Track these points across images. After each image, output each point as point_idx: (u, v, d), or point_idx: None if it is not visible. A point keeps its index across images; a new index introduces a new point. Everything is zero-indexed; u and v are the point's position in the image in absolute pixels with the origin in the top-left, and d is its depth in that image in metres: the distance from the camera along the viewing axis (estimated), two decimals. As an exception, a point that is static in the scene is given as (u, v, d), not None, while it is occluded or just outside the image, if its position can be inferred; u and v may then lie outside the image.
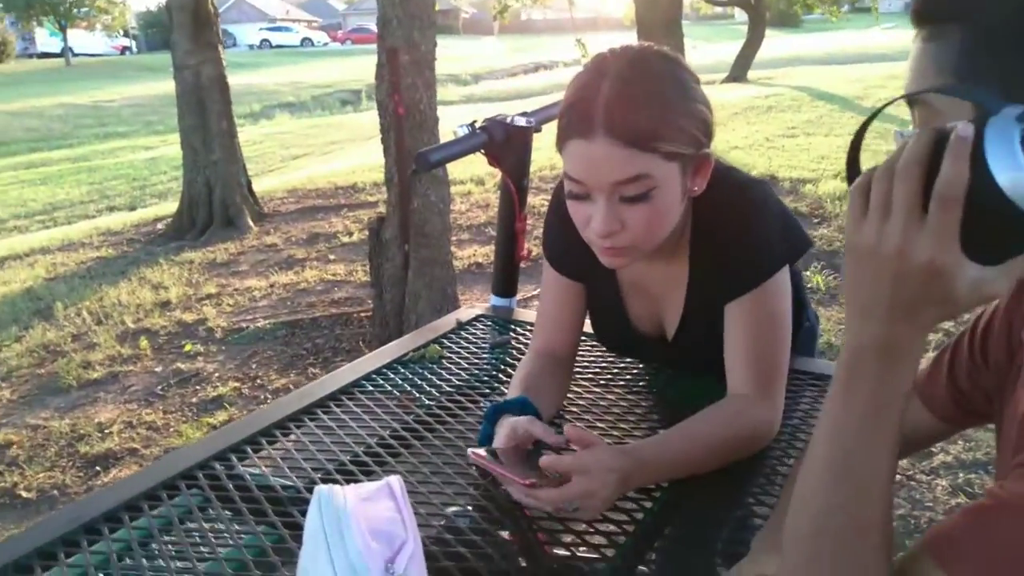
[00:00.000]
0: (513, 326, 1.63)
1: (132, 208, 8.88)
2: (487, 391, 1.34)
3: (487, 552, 0.90)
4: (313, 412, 1.28)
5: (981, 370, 0.84)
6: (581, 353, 1.36)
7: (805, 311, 1.36)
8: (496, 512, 0.99)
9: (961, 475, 2.40)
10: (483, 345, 1.54)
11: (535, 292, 3.95)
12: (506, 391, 1.25)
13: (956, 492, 2.32)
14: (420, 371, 1.42)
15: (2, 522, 2.73)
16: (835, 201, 5.04)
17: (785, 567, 0.64)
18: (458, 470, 1.08)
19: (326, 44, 43.94)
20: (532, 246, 1.77)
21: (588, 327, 1.33)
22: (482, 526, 0.96)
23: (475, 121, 1.63)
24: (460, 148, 1.56)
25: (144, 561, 0.93)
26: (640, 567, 0.91)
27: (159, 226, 6.74)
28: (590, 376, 1.37)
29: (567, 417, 1.23)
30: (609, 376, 1.38)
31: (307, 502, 0.84)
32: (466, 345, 1.54)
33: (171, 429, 3.30)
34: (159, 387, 3.71)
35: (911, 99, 0.63)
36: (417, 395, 1.33)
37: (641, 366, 1.41)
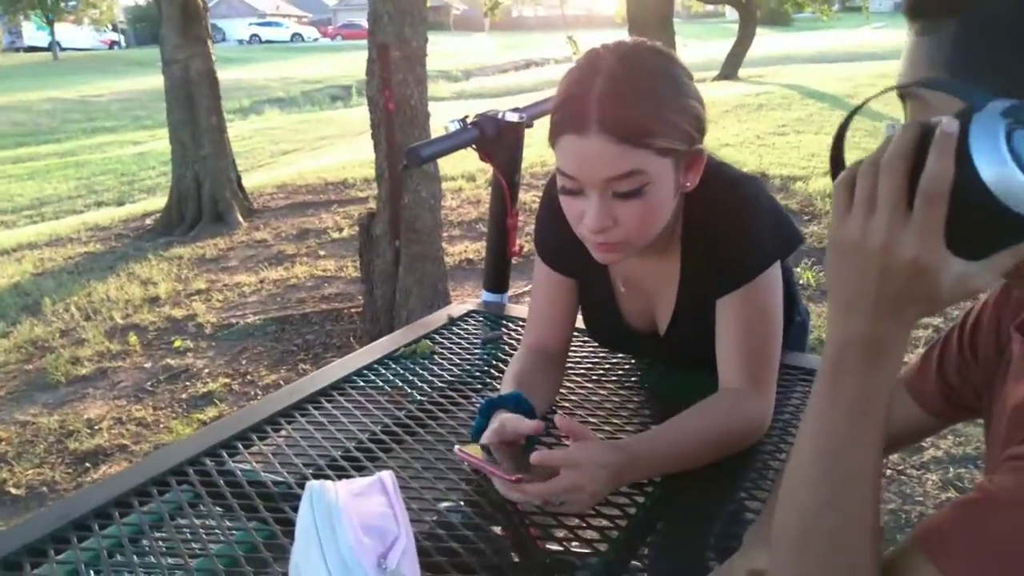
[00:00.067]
0: (505, 322, 1.63)
1: (120, 203, 8.82)
2: (479, 387, 1.34)
3: (480, 547, 0.90)
4: (304, 408, 1.27)
5: (970, 365, 0.85)
6: (573, 349, 1.36)
7: (796, 306, 1.36)
8: (489, 507, 0.99)
9: (951, 470, 2.41)
10: (475, 341, 1.54)
11: (527, 288, 3.95)
12: (498, 387, 1.25)
13: (946, 487, 2.34)
14: (411, 367, 1.42)
15: (-10, 519, 2.72)
16: (825, 198, 5.06)
17: (774, 565, 0.64)
18: (450, 466, 1.08)
19: (316, 40, 43.74)
20: (524, 242, 1.77)
21: (580, 323, 1.33)
22: (475, 521, 0.96)
23: (466, 116, 1.63)
24: (451, 143, 1.56)
25: (135, 558, 0.92)
26: (633, 562, 0.91)
27: (148, 221, 6.70)
28: (582, 372, 1.38)
29: (560, 413, 1.23)
30: (601, 372, 1.38)
31: (298, 498, 0.84)
32: (458, 341, 1.54)
33: (161, 425, 3.29)
34: (148, 383, 3.69)
35: (903, 93, 0.63)
36: (408, 391, 1.33)
37: (633, 362, 1.41)
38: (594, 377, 1.36)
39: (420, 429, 1.20)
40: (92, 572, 0.90)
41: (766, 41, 19.84)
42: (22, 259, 5.97)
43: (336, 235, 5.68)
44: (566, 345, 1.30)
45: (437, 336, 1.56)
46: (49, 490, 2.87)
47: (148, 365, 3.91)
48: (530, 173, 5.73)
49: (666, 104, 0.96)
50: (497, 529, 0.96)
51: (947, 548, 0.55)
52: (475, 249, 4.99)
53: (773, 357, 1.10)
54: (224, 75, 6.72)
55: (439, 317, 1.66)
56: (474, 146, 1.60)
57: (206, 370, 3.78)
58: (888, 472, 2.42)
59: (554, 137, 0.99)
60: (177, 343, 4.11)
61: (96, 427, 3.29)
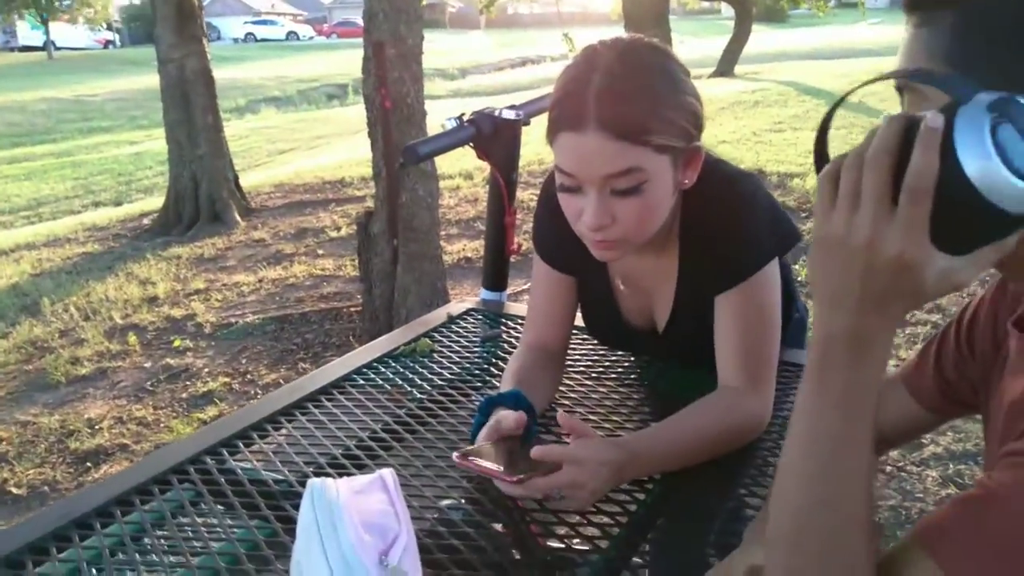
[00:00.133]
0: (504, 320, 1.63)
1: (118, 203, 8.81)
2: (478, 384, 1.34)
3: (480, 544, 0.91)
4: (304, 406, 1.28)
5: (967, 361, 0.85)
6: (572, 346, 1.36)
7: (795, 303, 1.37)
8: (489, 505, 0.99)
9: (951, 466, 2.42)
10: (474, 339, 1.54)
11: (526, 286, 3.95)
12: (497, 384, 1.26)
13: (946, 483, 2.35)
14: (411, 365, 1.42)
15: (-9, 519, 2.72)
16: (822, 195, 5.05)
17: (770, 563, 0.65)
18: (451, 464, 1.08)
19: (312, 38, 43.63)
20: (522, 240, 1.77)
21: (579, 321, 1.33)
22: (475, 519, 0.96)
23: (463, 114, 1.63)
24: (448, 141, 1.56)
25: (137, 556, 0.93)
26: (634, 559, 0.92)
27: (145, 221, 6.69)
28: (581, 369, 1.38)
29: (559, 410, 1.23)
30: (600, 369, 1.39)
31: (299, 496, 0.84)
32: (457, 339, 1.54)
33: (161, 425, 3.29)
34: (148, 383, 3.69)
35: (900, 86, 0.64)
36: (408, 389, 1.33)
37: (632, 359, 1.42)
38: (593, 375, 1.36)
39: (420, 427, 1.20)
40: (94, 570, 0.91)
41: (762, 38, 19.82)
42: (20, 260, 5.96)
43: (334, 234, 5.67)
44: (565, 343, 1.31)
45: (436, 334, 1.56)
46: (50, 489, 2.87)
47: (148, 365, 3.91)
48: (527, 171, 5.73)
49: (664, 101, 0.96)
50: (498, 526, 0.97)
51: (947, 544, 0.55)
52: (473, 247, 4.99)
53: (772, 354, 1.10)
54: (220, 74, 6.71)
55: (438, 315, 1.66)
56: (471, 144, 1.60)
57: (206, 369, 3.78)
58: (888, 469, 2.43)
59: (552, 134, 0.99)
60: (176, 343, 4.11)
61: (97, 427, 3.29)
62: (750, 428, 1.08)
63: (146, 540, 0.96)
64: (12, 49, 38.29)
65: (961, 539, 0.54)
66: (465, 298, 2.77)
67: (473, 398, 1.28)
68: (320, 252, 5.37)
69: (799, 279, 3.95)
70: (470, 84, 19.57)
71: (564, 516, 0.96)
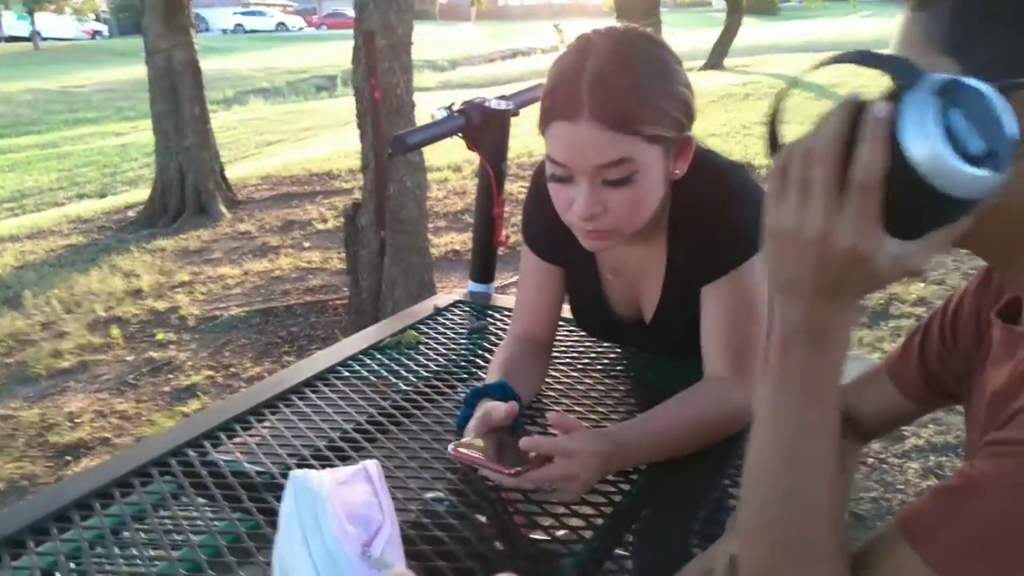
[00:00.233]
0: (491, 312, 1.62)
1: (102, 195, 8.73)
2: (465, 376, 1.34)
3: (465, 536, 0.90)
4: (288, 398, 1.27)
5: (951, 352, 0.85)
6: (559, 338, 1.36)
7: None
8: (474, 496, 0.99)
9: (932, 458, 2.43)
10: (461, 331, 1.54)
11: (513, 279, 3.95)
12: (484, 376, 1.25)
13: (927, 475, 2.36)
14: (397, 357, 1.41)
15: (-29, 513, 2.69)
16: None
17: (743, 554, 0.64)
18: (435, 455, 1.08)
19: (301, 29, 43.37)
20: (510, 232, 1.77)
21: (566, 312, 1.33)
22: (460, 510, 0.96)
23: (452, 104, 1.62)
24: (438, 131, 1.55)
25: (116, 550, 0.92)
26: (617, 549, 0.92)
27: (130, 213, 6.64)
28: (568, 361, 1.38)
29: (545, 402, 1.23)
30: (587, 360, 1.38)
31: (282, 488, 0.83)
32: (443, 331, 1.53)
33: (143, 418, 3.26)
34: (131, 376, 3.66)
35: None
36: (394, 381, 1.32)
37: (619, 350, 1.42)
38: (580, 366, 1.36)
39: (405, 419, 1.19)
40: (72, 564, 0.90)
41: (752, 30, 19.85)
42: (3, 252, 5.90)
43: (321, 226, 5.65)
44: (552, 334, 1.30)
45: (423, 326, 1.55)
46: (30, 483, 2.84)
47: (130, 358, 3.88)
48: (516, 164, 5.71)
49: (657, 91, 0.96)
50: (482, 518, 0.96)
51: (928, 533, 0.55)
52: (461, 240, 4.98)
53: (757, 345, 1.10)
54: (207, 65, 6.65)
55: (425, 307, 1.65)
56: (460, 134, 1.59)
57: (189, 363, 3.75)
58: (870, 460, 2.44)
59: (544, 124, 0.99)
60: (160, 336, 4.08)
61: (77, 420, 3.26)
62: (736, 418, 1.08)
63: (126, 533, 0.95)
64: (-3, 39, 37.87)
65: (943, 528, 0.54)
66: (453, 291, 2.76)
67: (459, 390, 1.28)
68: (306, 244, 5.35)
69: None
70: (460, 76, 19.50)
71: (548, 507, 0.96)
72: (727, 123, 7.30)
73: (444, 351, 1.44)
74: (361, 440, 1.13)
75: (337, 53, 18.45)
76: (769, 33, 22.56)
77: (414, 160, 3.57)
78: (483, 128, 1.60)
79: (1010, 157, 0.50)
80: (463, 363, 1.39)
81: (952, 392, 0.86)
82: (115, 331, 4.14)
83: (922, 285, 3.67)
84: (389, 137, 3.13)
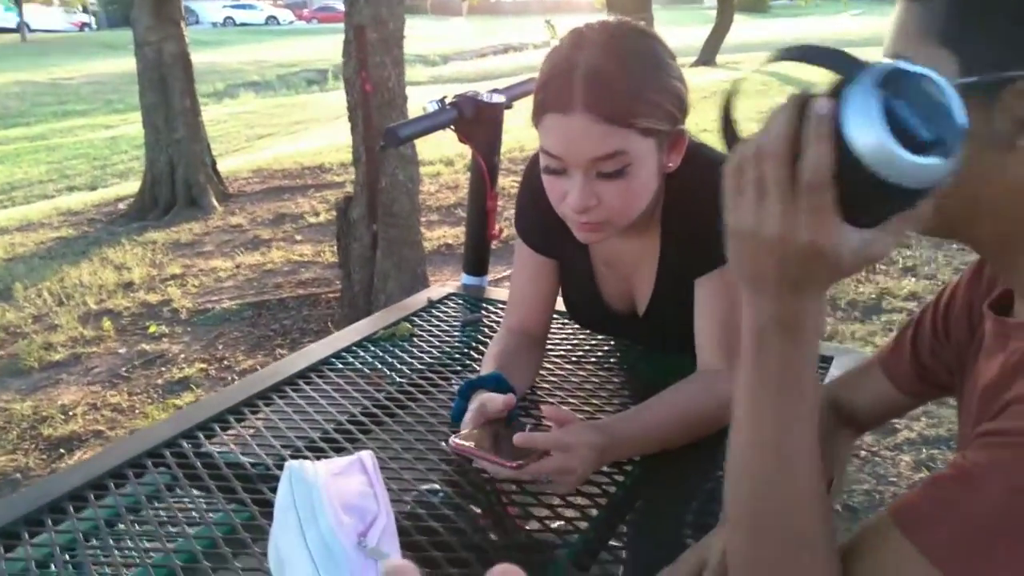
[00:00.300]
0: (485, 304, 1.63)
1: (93, 188, 8.67)
2: (458, 368, 1.34)
3: (460, 527, 0.91)
4: (282, 390, 1.27)
5: (943, 344, 0.85)
6: (553, 331, 1.36)
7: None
8: (468, 487, 0.99)
9: (924, 451, 2.45)
10: (454, 323, 1.54)
11: (506, 273, 3.95)
12: (477, 368, 1.25)
13: (919, 467, 2.38)
14: (390, 349, 1.41)
15: (-39, 506, 2.67)
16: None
17: (731, 546, 0.65)
18: (430, 447, 1.08)
19: (291, 23, 43.13)
20: (503, 226, 1.77)
21: (560, 306, 1.33)
22: (454, 501, 0.96)
23: (445, 97, 1.61)
24: (430, 123, 1.55)
25: (111, 541, 0.91)
26: (612, 540, 0.92)
27: (121, 206, 6.60)
28: (561, 353, 1.38)
29: (539, 394, 1.23)
30: (581, 353, 1.39)
31: (277, 479, 0.83)
32: (437, 323, 1.53)
33: (136, 411, 3.26)
34: (123, 369, 3.65)
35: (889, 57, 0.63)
36: (388, 372, 1.32)
37: (613, 343, 1.42)
38: (573, 359, 1.36)
39: (400, 411, 1.20)
40: (67, 556, 0.89)
41: (744, 28, 19.87)
42: (-8, 244, 5.86)
43: (313, 220, 5.63)
44: (546, 326, 1.31)
45: (416, 319, 1.55)
46: (23, 476, 2.83)
47: (123, 351, 3.86)
48: (508, 158, 5.71)
49: (650, 84, 0.96)
50: (477, 509, 0.97)
51: (921, 523, 0.55)
52: (454, 234, 4.97)
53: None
54: (198, 58, 6.61)
55: (419, 300, 1.65)
56: (453, 127, 1.59)
57: (182, 355, 3.74)
58: (862, 453, 2.46)
59: (538, 116, 0.99)
60: (152, 328, 4.07)
61: (70, 413, 3.25)
62: (729, 410, 1.09)
63: (121, 525, 0.95)
64: (-16, 30, 37.51)
65: (935, 518, 0.55)
66: (446, 284, 2.76)
67: (453, 382, 1.28)
68: (298, 238, 5.33)
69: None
70: (451, 70, 19.44)
71: (543, 498, 0.96)
72: (718, 119, 7.29)
73: (438, 343, 1.44)
74: (355, 431, 1.13)
75: (327, 47, 18.39)
76: (760, 30, 22.58)
77: (406, 153, 3.56)
78: (476, 121, 1.60)
79: (959, 143, 0.49)
80: (457, 355, 1.39)
81: (945, 384, 0.87)
82: (107, 324, 4.12)
83: (914, 280, 3.70)
84: (380, 130, 3.13)
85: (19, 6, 31.71)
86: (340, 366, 1.35)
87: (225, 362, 3.64)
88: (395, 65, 3.51)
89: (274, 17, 43.55)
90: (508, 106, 1.64)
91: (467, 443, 0.96)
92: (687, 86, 1.01)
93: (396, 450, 1.08)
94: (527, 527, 0.94)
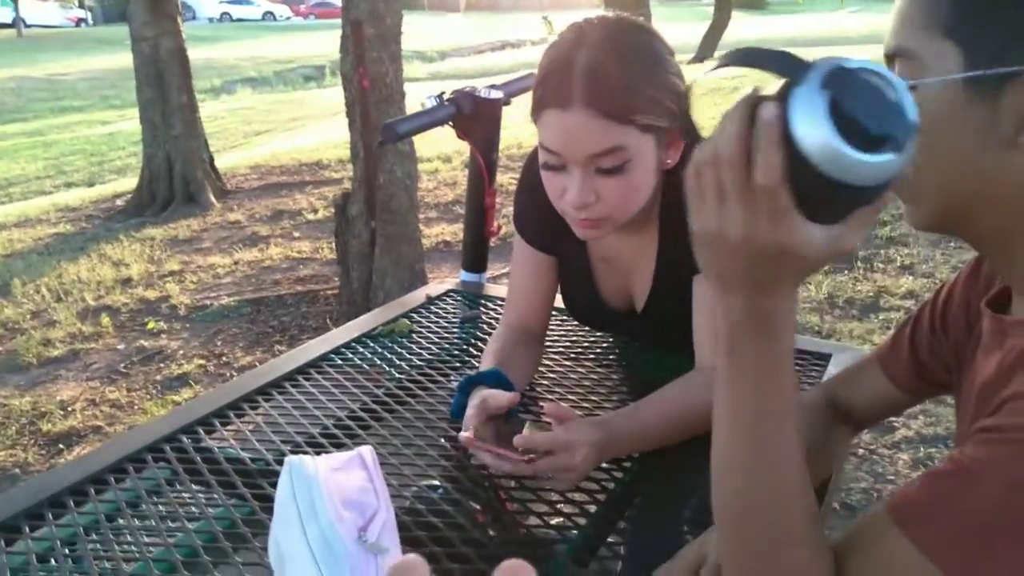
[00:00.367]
0: (483, 301, 1.63)
1: (90, 184, 8.66)
2: (457, 365, 1.34)
3: (459, 522, 0.91)
4: (282, 386, 1.27)
5: (941, 342, 0.86)
6: (552, 327, 1.37)
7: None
8: (468, 483, 0.99)
9: (922, 449, 2.46)
10: (453, 320, 1.54)
11: (504, 270, 3.95)
12: (476, 365, 1.25)
13: (917, 466, 2.38)
14: (389, 345, 1.42)
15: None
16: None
17: (720, 542, 0.65)
18: (430, 442, 1.08)
19: (289, 18, 43.01)
20: (501, 222, 1.77)
21: (559, 302, 1.33)
22: (454, 497, 0.97)
23: (443, 93, 1.61)
24: (428, 119, 1.55)
25: (111, 535, 0.92)
26: (611, 536, 0.92)
27: (118, 202, 6.59)
28: (560, 350, 1.38)
29: (538, 390, 1.24)
30: (579, 350, 1.39)
31: (277, 474, 0.83)
32: (436, 320, 1.54)
33: (135, 407, 3.26)
34: (122, 365, 3.65)
35: (890, 54, 0.63)
36: (387, 369, 1.32)
37: (611, 339, 1.42)
38: (572, 355, 1.36)
39: (399, 407, 1.20)
40: (68, 549, 0.90)
41: (741, 24, 19.85)
42: (-10, 240, 5.85)
43: (311, 216, 5.62)
44: (545, 322, 1.31)
45: (415, 315, 1.55)
46: (22, 471, 2.83)
47: (121, 347, 3.86)
48: (506, 155, 5.71)
49: (649, 80, 0.96)
50: (476, 505, 0.97)
51: (919, 518, 0.55)
52: (452, 231, 4.97)
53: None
54: (195, 54, 6.59)
55: (417, 296, 1.65)
56: (451, 123, 1.59)
57: (180, 352, 3.74)
58: (860, 451, 2.46)
59: (537, 112, 0.99)
60: (151, 325, 4.07)
61: (69, 409, 3.25)
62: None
63: (121, 519, 0.95)
64: (-20, 26, 37.36)
65: (933, 513, 0.55)
66: (444, 281, 2.76)
67: (452, 378, 1.28)
68: (296, 234, 5.33)
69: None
70: (449, 67, 19.41)
71: (542, 494, 0.97)
72: (717, 116, 7.29)
73: (437, 340, 1.44)
74: (355, 427, 1.13)
75: (325, 43, 18.31)
76: (758, 27, 22.57)
77: (404, 149, 3.56)
78: (474, 117, 1.60)
79: (911, 138, 0.49)
80: (456, 352, 1.39)
81: (943, 382, 0.87)
82: (105, 320, 4.12)
83: (911, 278, 3.70)
84: (379, 126, 3.13)
85: (15, 1, 31.58)
86: (339, 362, 1.35)
87: (224, 358, 3.64)
88: (393, 61, 3.51)
89: (271, 13, 43.40)
90: (506, 102, 1.64)
91: (480, 438, 0.96)
92: (685, 82, 1.01)
93: (396, 446, 1.08)
94: (526, 523, 0.95)
